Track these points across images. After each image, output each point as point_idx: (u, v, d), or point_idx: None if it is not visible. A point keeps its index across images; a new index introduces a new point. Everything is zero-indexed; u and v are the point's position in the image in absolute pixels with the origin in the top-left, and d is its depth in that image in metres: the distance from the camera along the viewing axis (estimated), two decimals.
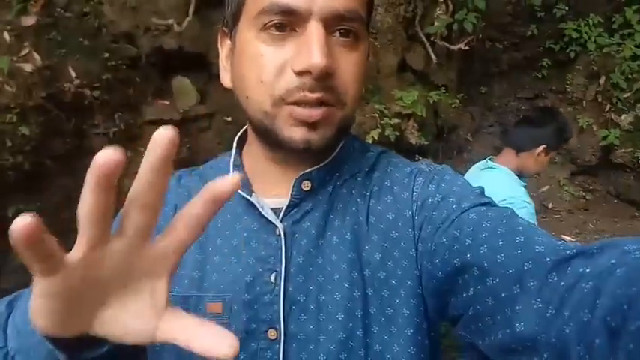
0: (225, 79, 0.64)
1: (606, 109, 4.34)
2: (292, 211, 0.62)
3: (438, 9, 3.81)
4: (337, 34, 0.56)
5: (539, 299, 0.43)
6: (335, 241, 0.60)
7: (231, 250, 0.62)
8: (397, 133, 3.44)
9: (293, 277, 0.59)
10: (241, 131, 0.70)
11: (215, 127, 3.10)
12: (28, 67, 2.41)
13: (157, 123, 2.92)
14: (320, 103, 0.55)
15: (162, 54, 2.93)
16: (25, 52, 2.41)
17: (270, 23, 0.55)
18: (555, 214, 4.37)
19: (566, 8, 4.35)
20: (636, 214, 4.09)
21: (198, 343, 0.35)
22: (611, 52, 4.28)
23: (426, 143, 3.66)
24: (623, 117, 4.26)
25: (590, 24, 4.32)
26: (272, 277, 0.59)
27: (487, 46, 4.38)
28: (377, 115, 3.45)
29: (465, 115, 4.30)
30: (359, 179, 0.64)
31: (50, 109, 2.48)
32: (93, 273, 0.35)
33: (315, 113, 0.55)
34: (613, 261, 0.41)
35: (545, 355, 0.42)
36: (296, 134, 0.56)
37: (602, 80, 4.39)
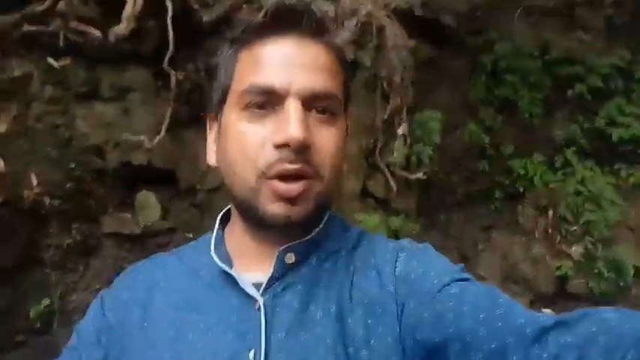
0: (212, 159, 0.68)
1: (557, 241, 4.53)
2: (274, 284, 0.61)
3: (396, 141, 4.11)
4: (314, 111, 0.60)
5: None
6: (319, 315, 0.59)
7: (207, 326, 0.60)
8: None
9: (274, 354, 0.56)
10: (224, 210, 0.71)
11: (175, 242, 3.03)
12: None
13: (116, 236, 2.84)
14: (299, 176, 0.57)
15: (130, 168, 2.95)
16: None
17: (252, 102, 0.59)
18: None
19: (513, 147, 4.75)
20: None
21: None
22: (556, 187, 4.61)
23: None
24: (573, 249, 4.45)
25: (535, 162, 4.70)
26: (250, 355, 0.56)
27: (443, 178, 4.64)
28: None
29: (425, 242, 4.38)
30: (342, 254, 0.64)
31: (4, 214, 2.39)
32: None
33: (294, 187, 0.57)
34: (594, 329, 0.42)
35: None
36: (277, 209, 0.58)
37: (550, 214, 4.66)
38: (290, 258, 0.62)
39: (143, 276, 0.69)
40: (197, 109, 3.25)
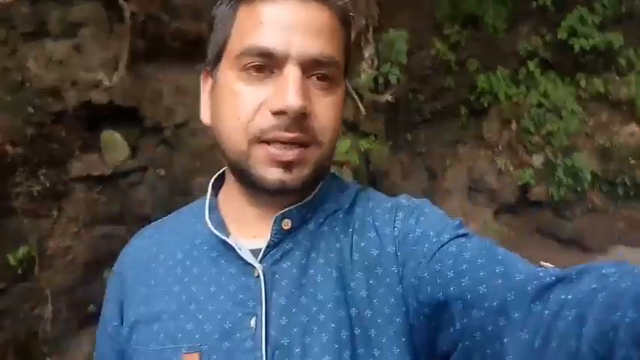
0: (206, 116, 0.65)
1: (520, 152, 4.70)
2: (272, 251, 0.60)
3: (364, 63, 4.05)
4: (314, 77, 0.58)
5: (525, 330, 0.44)
6: (319, 280, 0.58)
7: (207, 296, 0.60)
8: None
9: (275, 320, 0.56)
10: (217, 173, 0.70)
11: (148, 181, 3.01)
12: None
13: (86, 179, 2.80)
14: (295, 143, 0.56)
15: (90, 108, 2.85)
16: None
17: (250, 64, 0.57)
18: None
19: (477, 62, 4.75)
20: (555, 245, 4.39)
21: None
22: (519, 100, 4.70)
23: None
24: (535, 158, 4.64)
25: (499, 76, 4.74)
26: (252, 322, 0.57)
27: (410, 97, 4.66)
28: None
29: (395, 161, 4.48)
30: (340, 216, 0.63)
31: None
32: None
33: (289, 153, 0.56)
34: (594, 286, 0.41)
35: None
36: (270, 174, 0.57)
37: (513, 126, 4.78)
38: (286, 224, 0.61)
39: (141, 253, 0.69)
40: (155, 42, 3.10)
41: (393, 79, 4.07)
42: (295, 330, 0.56)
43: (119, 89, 2.88)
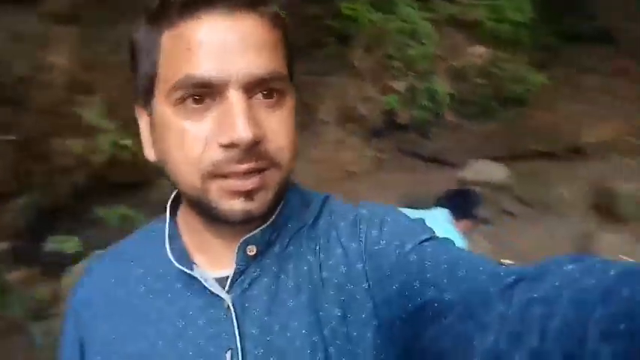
0: (150, 154, 0.60)
1: (385, 78, 4.89)
2: (239, 279, 0.58)
3: None
4: (260, 95, 0.53)
5: (490, 331, 0.45)
6: (291, 305, 0.57)
7: (176, 333, 0.57)
8: None
9: (251, 352, 0.55)
10: (172, 196, 0.65)
11: None
12: None
13: None
14: (253, 171, 0.53)
15: None
16: None
17: (187, 96, 0.52)
18: (359, 175, 4.85)
19: None
20: (421, 164, 4.80)
21: None
22: (381, 27, 4.81)
23: None
24: (398, 83, 4.88)
25: (361, 2, 4.76)
26: (228, 356, 0.55)
27: None
28: None
29: None
30: (305, 234, 0.62)
31: None
32: None
33: (247, 183, 0.53)
34: (557, 283, 0.42)
35: None
36: (234, 206, 0.54)
37: (377, 53, 4.92)
38: (251, 250, 0.59)
39: (99, 285, 0.65)
40: None
41: None
42: (272, 359, 0.56)
43: None
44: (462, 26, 5.07)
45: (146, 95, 0.57)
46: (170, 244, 0.62)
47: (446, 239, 0.58)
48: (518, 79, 4.89)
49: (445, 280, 0.51)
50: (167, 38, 0.53)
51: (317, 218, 0.64)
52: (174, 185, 0.59)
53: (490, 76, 4.94)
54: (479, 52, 5.12)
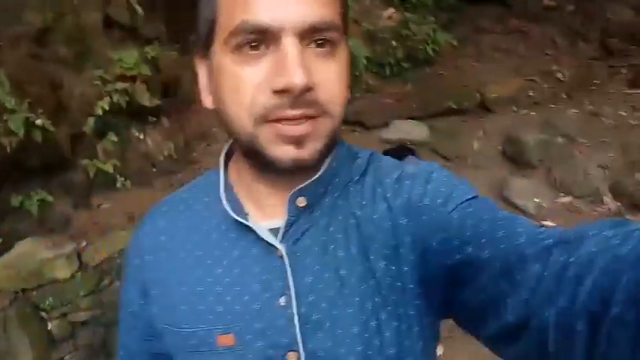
0: (207, 101, 0.62)
1: None
2: (290, 230, 0.60)
3: None
4: (313, 44, 0.54)
5: (523, 290, 0.47)
6: (340, 255, 0.59)
7: (233, 279, 0.60)
8: (127, 98, 3.18)
9: (304, 298, 0.58)
10: (226, 147, 0.66)
11: None
12: None
13: None
14: (303, 117, 0.54)
15: None
16: None
17: (243, 43, 0.53)
18: None
19: None
20: (345, 127, 4.88)
21: None
22: None
23: (159, 103, 3.48)
24: None
25: None
26: (282, 301, 0.58)
27: None
28: (99, 83, 3.07)
29: (185, 66, 4.20)
30: (352, 188, 0.63)
31: None
32: None
33: (299, 128, 0.54)
34: (594, 249, 0.42)
35: (533, 341, 0.45)
36: (284, 153, 0.55)
37: None
38: (301, 202, 0.60)
39: (158, 234, 0.67)
40: None
41: None
42: (324, 305, 0.58)
43: None
44: None
45: (206, 41, 0.58)
46: (225, 196, 0.63)
47: (488, 199, 0.59)
48: (427, 40, 5.10)
49: (484, 240, 0.52)
50: None
51: (363, 174, 0.65)
52: (228, 132, 0.60)
53: (401, 37, 5.10)
54: (389, 14, 5.25)
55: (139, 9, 3.57)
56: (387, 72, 5.12)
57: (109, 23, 3.45)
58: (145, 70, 3.28)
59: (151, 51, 3.55)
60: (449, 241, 0.55)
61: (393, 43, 5.12)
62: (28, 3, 2.93)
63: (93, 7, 3.27)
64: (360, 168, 0.65)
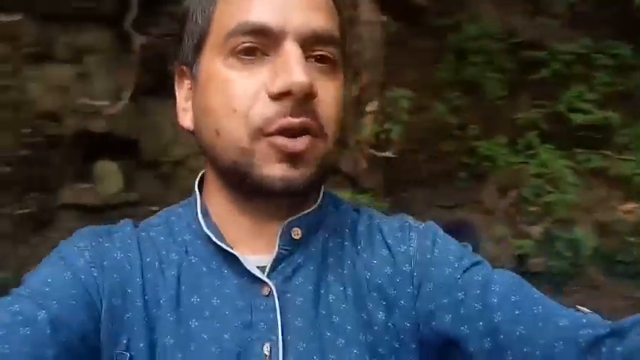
0: (185, 120, 0.57)
1: (518, 221, 4.64)
2: (280, 266, 0.53)
3: (366, 118, 4.06)
4: (313, 60, 0.51)
5: None
6: (332, 300, 0.52)
7: (212, 311, 0.51)
8: None
9: (292, 347, 0.49)
10: (199, 175, 0.60)
11: (139, 215, 2.89)
12: None
13: (74, 207, 2.67)
14: (304, 130, 0.49)
15: (88, 136, 2.77)
16: None
17: (240, 47, 0.50)
18: None
19: (477, 128, 4.81)
20: None
21: None
22: (518, 169, 4.71)
23: None
24: (534, 228, 4.57)
25: (498, 144, 4.78)
26: (265, 349, 0.49)
27: (409, 157, 4.65)
28: None
29: None
30: (346, 231, 0.57)
31: None
32: None
33: (299, 143, 0.48)
34: None
35: None
36: (275, 171, 0.49)
37: (512, 194, 4.76)
38: (296, 233, 0.53)
39: (132, 242, 0.56)
40: (161, 77, 3.08)
41: (394, 137, 4.07)
42: (315, 357, 0.49)
43: (120, 120, 2.82)
44: (609, 179, 4.76)
45: (193, 54, 0.55)
46: (204, 222, 0.55)
47: (509, 271, 0.54)
48: None
49: (517, 312, 0.47)
50: None
51: (355, 220, 0.59)
52: (208, 155, 0.54)
53: None
54: (628, 208, 4.69)
55: (364, 164, 4.00)
56: (619, 269, 4.42)
57: (336, 170, 3.93)
58: None
59: (363, 198, 3.86)
60: (467, 303, 0.48)
61: (630, 239, 4.47)
62: None
63: None
64: (349, 214, 0.59)
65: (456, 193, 4.88)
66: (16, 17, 2.49)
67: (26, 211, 2.42)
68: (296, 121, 0.48)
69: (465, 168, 4.86)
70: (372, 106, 4.03)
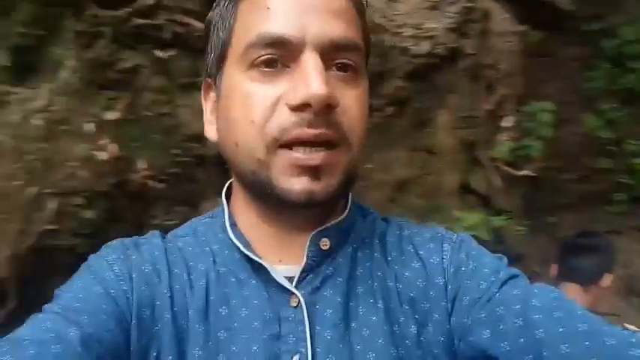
0: (211, 132, 0.59)
1: None
2: (309, 277, 0.53)
3: (501, 134, 3.83)
4: (334, 68, 0.50)
5: None
6: (362, 312, 0.51)
7: (241, 323, 0.52)
8: None
9: (322, 358, 0.49)
10: (227, 184, 0.62)
11: None
12: (103, 156, 2.55)
13: None
14: (322, 143, 0.48)
15: None
16: (103, 141, 2.57)
17: (260, 59, 0.50)
18: None
19: (638, 144, 4.23)
20: None
21: None
22: None
23: None
24: None
25: None
26: None
27: (554, 176, 4.26)
28: None
29: (533, 245, 4.04)
30: (375, 241, 0.56)
31: (116, 196, 2.57)
32: None
33: (315, 157, 0.48)
34: None
35: None
36: (296, 185, 0.49)
37: None
38: (325, 244, 0.54)
39: (160, 254, 0.57)
40: None
41: (533, 154, 3.77)
42: None
43: None
44: None
45: (216, 66, 0.56)
46: (232, 232, 0.56)
47: (548, 285, 0.52)
48: None
49: (561, 330, 0.44)
50: (244, 4, 0.54)
51: (385, 228, 0.57)
52: (232, 166, 0.54)
53: None
54: None
55: (498, 182, 3.77)
56: None
57: (464, 188, 3.76)
58: (483, 234, 3.34)
59: (497, 220, 3.62)
60: (506, 318, 0.46)
61: None
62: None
63: (454, 171, 3.66)
64: (377, 223, 0.57)
65: (611, 218, 4.32)
66: (172, 53, 2.85)
67: (172, 222, 2.73)
68: (312, 132, 0.48)
69: (622, 188, 4.29)
70: (508, 121, 3.79)
